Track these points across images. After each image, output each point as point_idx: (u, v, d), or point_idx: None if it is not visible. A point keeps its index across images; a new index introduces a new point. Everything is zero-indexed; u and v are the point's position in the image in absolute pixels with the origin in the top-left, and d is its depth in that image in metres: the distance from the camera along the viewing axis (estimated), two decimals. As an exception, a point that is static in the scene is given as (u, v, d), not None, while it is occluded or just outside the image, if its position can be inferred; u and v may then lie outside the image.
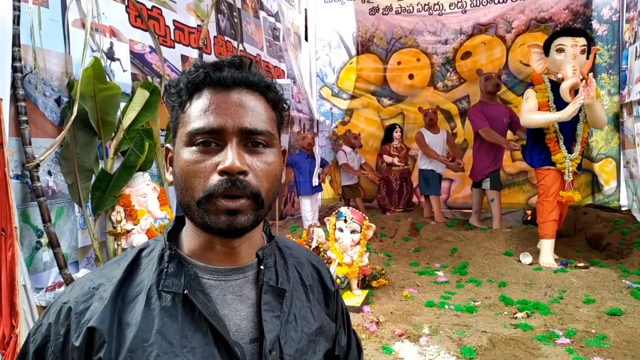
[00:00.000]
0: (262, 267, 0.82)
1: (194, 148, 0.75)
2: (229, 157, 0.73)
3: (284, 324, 0.80)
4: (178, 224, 0.85)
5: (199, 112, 0.76)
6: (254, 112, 0.77)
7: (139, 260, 0.80)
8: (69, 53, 2.83)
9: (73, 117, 2.62)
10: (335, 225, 3.30)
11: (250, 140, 0.76)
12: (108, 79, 3.02)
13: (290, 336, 0.80)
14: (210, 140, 0.74)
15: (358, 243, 3.25)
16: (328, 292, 0.94)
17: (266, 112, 0.80)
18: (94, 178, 2.98)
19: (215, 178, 0.73)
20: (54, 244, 2.57)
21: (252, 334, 0.77)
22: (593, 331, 2.63)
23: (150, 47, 3.52)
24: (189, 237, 0.81)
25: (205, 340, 0.73)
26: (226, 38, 4.56)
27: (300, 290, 0.88)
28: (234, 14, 4.72)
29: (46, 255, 2.69)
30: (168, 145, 0.83)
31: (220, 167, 0.72)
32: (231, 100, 0.76)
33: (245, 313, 0.78)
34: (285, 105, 0.87)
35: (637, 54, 5.02)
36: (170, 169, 0.81)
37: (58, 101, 2.77)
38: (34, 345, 0.75)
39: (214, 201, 0.73)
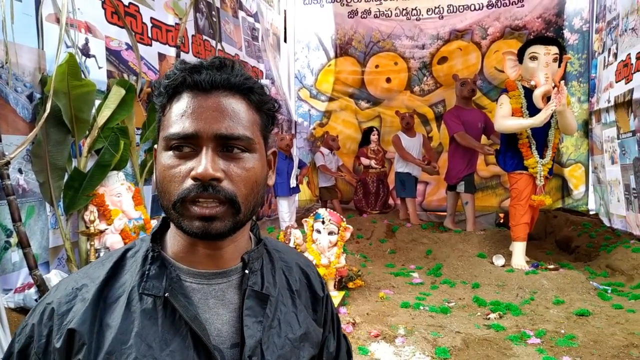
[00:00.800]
0: (246, 271, 0.81)
1: (170, 153, 0.75)
2: (202, 163, 0.72)
3: (266, 329, 0.79)
4: (164, 224, 0.84)
5: (176, 117, 0.75)
6: (232, 116, 0.75)
7: (123, 260, 0.79)
8: (42, 48, 2.76)
9: (46, 114, 2.55)
10: (312, 226, 3.31)
11: (227, 145, 0.75)
12: (83, 76, 2.95)
13: (273, 342, 0.79)
14: (186, 145, 0.74)
15: (335, 244, 3.27)
16: (316, 297, 0.93)
17: (247, 116, 0.78)
18: (66, 177, 2.92)
19: (188, 183, 0.72)
20: (23, 244, 2.50)
21: (233, 338, 0.77)
22: (562, 331, 2.71)
23: (127, 44, 3.46)
24: (173, 239, 0.80)
25: (185, 344, 0.72)
26: (204, 37, 4.52)
27: (287, 295, 0.87)
28: (213, 13, 4.69)
29: (15, 255, 2.62)
30: (156, 146, 0.82)
31: (193, 172, 0.72)
32: (208, 104, 0.75)
33: (227, 318, 0.78)
34: (273, 106, 0.85)
35: (606, 64, 5.20)
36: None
37: (30, 97, 2.70)
38: (18, 345, 0.74)
39: (187, 206, 0.72)
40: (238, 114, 0.77)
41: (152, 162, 0.86)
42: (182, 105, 0.75)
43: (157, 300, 0.73)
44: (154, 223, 0.90)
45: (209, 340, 0.73)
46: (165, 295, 0.73)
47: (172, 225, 0.81)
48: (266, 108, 0.83)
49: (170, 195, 0.73)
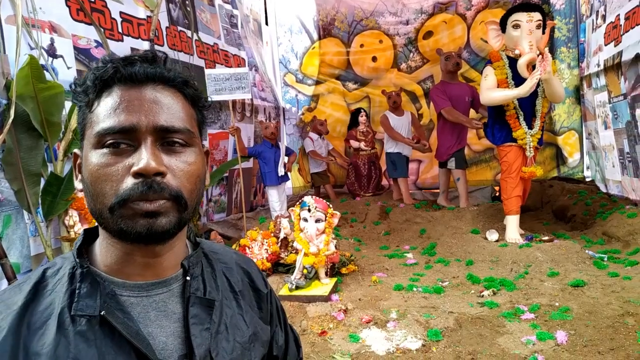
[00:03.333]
0: (188, 278, 0.77)
1: (103, 150, 0.68)
2: (144, 157, 0.66)
3: (214, 335, 0.75)
4: (88, 237, 0.78)
5: (108, 111, 0.69)
6: (170, 109, 0.72)
7: (44, 281, 0.72)
8: (4, 52, 2.67)
9: (10, 119, 2.48)
10: (299, 215, 3.25)
11: (167, 139, 0.71)
12: (50, 77, 2.87)
13: (223, 347, 0.76)
14: (122, 141, 0.68)
15: (323, 232, 3.21)
16: (260, 294, 0.91)
17: (184, 109, 0.74)
18: (43, 182, 2.85)
19: (129, 181, 0.66)
20: (0, 255, 2.45)
21: (180, 350, 0.72)
22: (557, 304, 2.66)
23: (96, 41, 3.37)
24: (104, 251, 0.74)
25: None
26: (179, 28, 4.40)
27: (230, 298, 0.84)
28: (187, 2, 4.56)
29: (-5, 266, 2.57)
30: (76, 150, 0.76)
31: (134, 168, 0.66)
32: (144, 96, 0.70)
33: (171, 329, 0.73)
34: (205, 102, 0.81)
35: (594, 27, 5.08)
36: (80, 176, 0.74)
37: (-4, 104, 2.62)
38: None
39: (130, 205, 0.66)
40: (176, 107, 0.73)
41: (72, 170, 0.78)
42: (114, 98, 0.70)
43: (92, 320, 0.67)
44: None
45: (155, 355, 0.69)
46: (102, 313, 0.67)
47: (102, 235, 0.74)
48: (200, 104, 0.80)
49: (105, 197, 0.67)
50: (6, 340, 0.64)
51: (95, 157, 0.69)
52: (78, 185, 0.75)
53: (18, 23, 2.64)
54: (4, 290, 0.73)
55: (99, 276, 0.72)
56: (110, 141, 0.68)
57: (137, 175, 0.66)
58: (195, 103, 0.79)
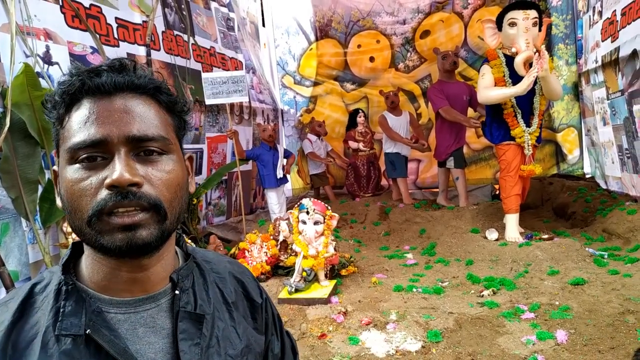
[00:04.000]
0: (177, 292, 0.75)
1: (77, 166, 0.67)
2: (117, 169, 0.65)
3: (204, 349, 0.73)
4: (76, 251, 0.76)
5: (78, 125, 0.67)
6: (142, 117, 0.70)
7: (32, 298, 0.71)
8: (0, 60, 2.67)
9: (6, 128, 2.48)
10: (298, 217, 3.24)
11: (141, 149, 0.69)
12: (46, 85, 2.87)
13: None
14: (95, 154, 0.67)
15: (322, 234, 3.21)
16: (254, 305, 0.89)
17: (158, 117, 0.72)
18: (40, 189, 2.85)
19: (103, 194, 0.65)
20: (-2, 263, 2.45)
21: None
22: (557, 303, 2.65)
23: (92, 47, 3.37)
24: (90, 267, 0.72)
25: None
26: (176, 32, 4.40)
27: (223, 309, 0.81)
28: (182, 6, 4.56)
29: (-7, 274, 2.57)
30: (55, 167, 0.74)
31: (107, 180, 0.65)
32: (114, 107, 0.68)
33: (160, 345, 0.71)
34: (184, 107, 0.79)
35: (591, 23, 5.07)
36: (60, 192, 0.72)
37: (-8, 112, 2.62)
38: None
39: (106, 219, 0.65)
40: (148, 115, 0.71)
41: (54, 186, 0.77)
42: (83, 111, 0.68)
43: (78, 339, 0.66)
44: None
45: None
46: (87, 332, 0.66)
47: (87, 250, 0.73)
48: (177, 109, 0.78)
49: (82, 212, 0.66)
50: None
51: (69, 172, 0.67)
52: (59, 202, 0.73)
53: (12, 31, 2.64)
54: None
55: (85, 292, 0.71)
56: (83, 156, 0.67)
57: (111, 187, 0.65)
58: (170, 109, 0.76)
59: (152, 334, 0.72)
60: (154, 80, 0.74)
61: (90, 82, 0.69)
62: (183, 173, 0.75)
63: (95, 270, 0.72)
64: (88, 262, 0.73)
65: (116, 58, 0.75)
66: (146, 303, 0.73)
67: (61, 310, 0.68)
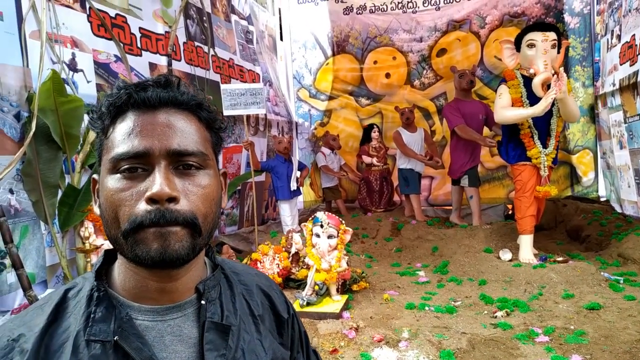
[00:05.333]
0: (202, 302, 0.76)
1: (118, 175, 0.69)
2: (157, 182, 0.67)
3: None
4: (108, 258, 0.78)
5: (122, 136, 0.70)
6: (183, 132, 0.72)
7: (65, 302, 0.73)
8: (27, 66, 2.74)
9: (32, 132, 2.53)
10: (311, 230, 3.25)
11: (180, 162, 0.71)
12: (70, 91, 2.93)
13: None
14: (136, 165, 0.69)
15: (335, 248, 3.21)
16: (281, 320, 0.89)
17: (198, 132, 0.75)
18: (60, 194, 2.90)
19: (142, 207, 0.67)
20: (16, 265, 2.48)
21: None
22: (572, 327, 2.62)
23: (116, 56, 3.44)
24: (122, 274, 0.74)
25: None
26: (196, 44, 4.48)
27: (249, 322, 0.82)
28: (204, 18, 4.64)
29: (11, 276, 2.60)
30: (95, 176, 0.77)
31: (147, 194, 0.66)
32: (157, 121, 0.71)
33: (186, 355, 0.72)
34: (222, 124, 0.82)
35: (609, 46, 5.07)
36: (98, 201, 0.75)
37: (17, 116, 2.68)
38: None
39: (141, 231, 0.67)
40: (189, 130, 0.73)
41: (92, 194, 0.79)
42: (128, 123, 0.71)
43: (106, 345, 0.67)
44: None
45: None
46: (115, 339, 0.67)
47: (119, 259, 0.75)
48: (216, 126, 0.81)
49: (120, 222, 0.68)
50: None
51: (110, 182, 0.69)
52: (97, 210, 0.75)
53: (42, 38, 2.70)
54: (26, 311, 0.74)
55: (116, 299, 0.72)
56: (125, 166, 0.69)
57: (150, 200, 0.67)
58: (210, 125, 0.79)
59: (179, 343, 0.73)
60: (196, 97, 0.77)
61: (137, 96, 0.71)
62: (218, 188, 0.77)
63: (127, 277, 0.74)
64: (120, 270, 0.75)
65: (162, 74, 0.78)
66: (173, 312, 0.74)
67: (92, 315, 0.69)
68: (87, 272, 0.85)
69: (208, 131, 0.79)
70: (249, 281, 0.89)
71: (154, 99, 0.72)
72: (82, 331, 0.68)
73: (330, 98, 7.02)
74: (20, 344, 0.68)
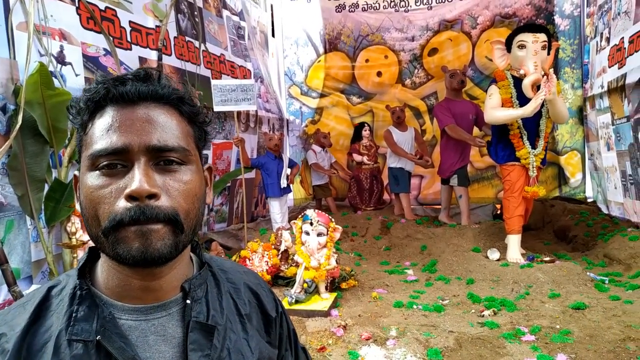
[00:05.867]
0: (188, 301, 0.74)
1: (97, 172, 0.67)
2: (136, 179, 0.65)
3: None
4: (92, 256, 0.77)
5: (101, 132, 0.68)
6: (163, 127, 0.70)
7: (48, 301, 0.72)
8: (14, 58, 2.69)
9: (18, 125, 2.49)
10: (301, 228, 3.25)
11: (161, 158, 0.69)
12: (58, 84, 2.89)
13: None
14: (116, 162, 0.67)
15: (325, 246, 3.21)
16: (268, 318, 0.88)
17: (179, 127, 0.73)
18: (46, 188, 2.86)
19: (121, 204, 0.65)
20: (1, 260, 2.44)
21: None
22: (558, 327, 2.65)
23: (105, 49, 3.39)
24: (105, 272, 0.73)
25: None
26: (187, 38, 4.44)
27: (236, 321, 0.80)
28: (195, 13, 4.61)
29: (-5, 271, 2.56)
30: (76, 172, 0.75)
31: (127, 191, 0.65)
32: (137, 116, 0.69)
33: (170, 354, 0.71)
34: (205, 118, 0.80)
35: (598, 48, 5.12)
36: (79, 198, 0.73)
37: (4, 109, 2.64)
38: None
39: (122, 230, 0.65)
40: (170, 125, 0.71)
41: (74, 191, 0.77)
42: (106, 119, 0.69)
43: (88, 344, 0.66)
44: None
45: None
46: (97, 338, 0.66)
47: (103, 257, 0.73)
48: (199, 120, 0.78)
49: (100, 220, 0.66)
50: None
51: (89, 179, 0.68)
52: (78, 207, 0.74)
53: (29, 31, 2.66)
54: (8, 310, 0.72)
55: (99, 298, 0.71)
56: (104, 163, 0.67)
57: (129, 197, 0.65)
58: (192, 120, 0.77)
59: (163, 343, 0.71)
60: (177, 91, 0.75)
61: (115, 91, 0.69)
62: (201, 184, 0.75)
63: (110, 276, 0.72)
64: (104, 268, 0.73)
65: (142, 67, 0.76)
66: (157, 311, 0.73)
67: (74, 315, 0.68)
68: (72, 269, 0.83)
69: (190, 125, 0.76)
70: (236, 279, 0.87)
71: (133, 94, 0.70)
72: (64, 330, 0.67)
73: (322, 96, 7.01)
74: (2, 343, 0.66)
